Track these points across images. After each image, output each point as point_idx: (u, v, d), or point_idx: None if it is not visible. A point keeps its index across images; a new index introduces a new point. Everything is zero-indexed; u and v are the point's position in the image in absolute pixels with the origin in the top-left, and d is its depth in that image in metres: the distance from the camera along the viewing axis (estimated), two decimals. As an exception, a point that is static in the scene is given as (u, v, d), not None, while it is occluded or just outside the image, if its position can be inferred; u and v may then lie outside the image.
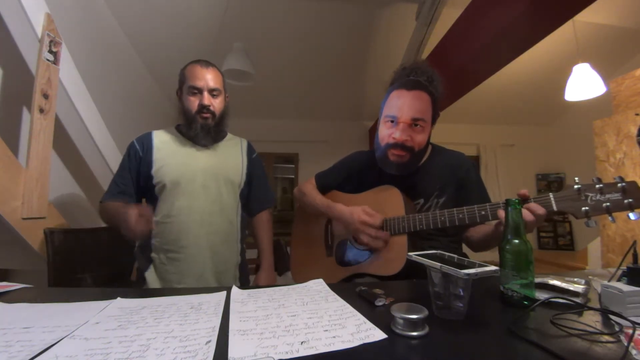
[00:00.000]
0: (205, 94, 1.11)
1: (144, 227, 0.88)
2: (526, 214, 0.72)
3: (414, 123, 0.95)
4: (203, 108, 1.10)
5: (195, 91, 1.11)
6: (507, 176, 4.50)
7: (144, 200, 1.17)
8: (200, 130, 1.12)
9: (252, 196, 1.27)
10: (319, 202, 1.12)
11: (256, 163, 1.29)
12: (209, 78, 1.11)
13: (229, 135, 1.28)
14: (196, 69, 1.11)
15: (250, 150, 1.29)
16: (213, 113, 1.13)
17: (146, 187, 1.12)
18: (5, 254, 1.37)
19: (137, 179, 1.12)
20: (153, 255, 1.09)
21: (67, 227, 1.47)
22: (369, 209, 0.97)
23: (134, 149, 1.13)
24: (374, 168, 1.07)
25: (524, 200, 0.76)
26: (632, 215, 0.68)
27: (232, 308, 0.61)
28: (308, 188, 1.19)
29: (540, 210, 0.73)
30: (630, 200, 0.67)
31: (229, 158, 1.21)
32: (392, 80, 1.03)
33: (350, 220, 0.98)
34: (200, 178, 1.11)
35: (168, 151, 1.13)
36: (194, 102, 1.11)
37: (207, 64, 1.14)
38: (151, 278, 1.08)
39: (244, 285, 1.21)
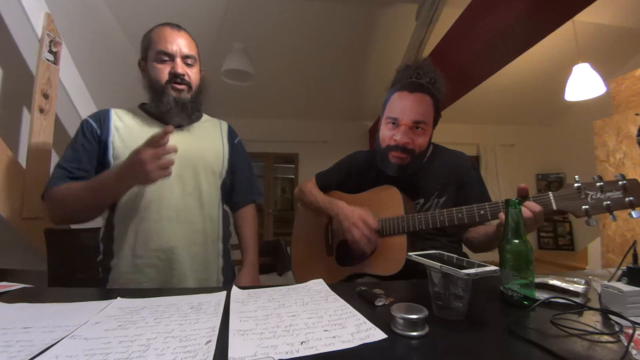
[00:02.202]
0: (178, 60, 0.91)
1: (161, 173, 0.73)
2: (524, 212, 0.72)
3: (415, 126, 0.95)
4: (176, 77, 0.91)
5: (166, 58, 0.91)
6: (507, 176, 4.50)
7: None
8: (173, 104, 0.91)
9: (236, 188, 1.10)
10: (320, 198, 1.11)
11: (239, 149, 1.11)
12: (182, 43, 0.92)
13: (206, 117, 1.09)
14: (165, 31, 0.92)
15: (231, 134, 1.11)
16: (188, 84, 0.94)
17: None
18: (5, 254, 1.37)
19: (93, 163, 0.90)
20: (113, 262, 0.88)
21: (67, 227, 1.47)
22: (371, 214, 0.96)
23: (89, 125, 0.90)
24: (373, 168, 1.07)
25: (523, 196, 0.76)
26: (633, 214, 0.67)
27: (232, 308, 0.61)
28: (308, 186, 1.19)
29: (537, 208, 0.73)
30: (631, 198, 0.66)
31: (207, 142, 1.02)
32: (395, 79, 1.03)
33: (350, 214, 0.97)
34: (174, 165, 0.87)
35: (130, 133, 0.91)
36: (163, 70, 0.91)
37: (178, 27, 0.95)
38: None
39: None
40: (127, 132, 0.92)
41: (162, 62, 0.91)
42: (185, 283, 0.90)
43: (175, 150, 0.75)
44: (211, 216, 0.98)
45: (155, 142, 0.72)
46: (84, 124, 0.91)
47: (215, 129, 1.08)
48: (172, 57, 0.91)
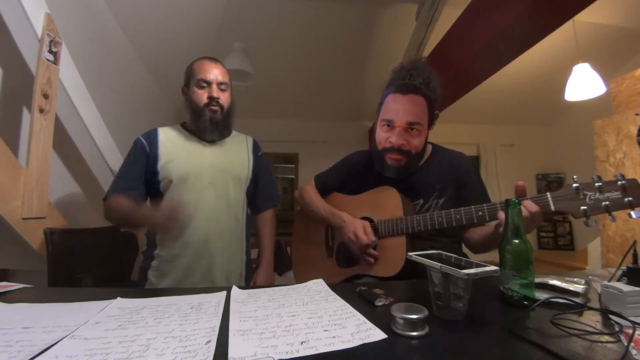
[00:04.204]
0: (214, 86, 1.11)
1: (173, 226, 0.92)
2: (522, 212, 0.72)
3: (409, 127, 0.95)
4: (212, 100, 1.11)
5: (204, 84, 1.11)
6: (507, 176, 4.50)
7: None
8: (209, 123, 1.12)
9: (258, 194, 1.27)
10: (322, 209, 1.11)
11: (262, 161, 1.29)
12: (217, 72, 1.13)
13: (234, 133, 1.28)
14: (205, 64, 1.13)
15: (256, 147, 1.30)
16: (221, 106, 1.13)
17: (151, 182, 1.10)
18: (5, 254, 1.37)
19: (145, 174, 1.11)
20: (157, 252, 1.08)
21: (67, 227, 1.47)
22: (369, 229, 0.96)
23: (140, 143, 1.12)
24: (373, 168, 1.07)
25: (522, 196, 0.76)
26: (633, 214, 0.67)
27: (232, 308, 0.61)
28: (309, 192, 1.18)
29: (534, 207, 0.73)
30: (630, 198, 0.66)
31: (235, 154, 1.21)
32: (390, 80, 1.03)
33: (348, 229, 0.98)
34: (207, 174, 1.11)
35: (174, 147, 1.12)
36: (202, 95, 1.11)
37: (215, 60, 1.16)
38: (154, 276, 1.06)
39: (249, 283, 1.19)
40: (171, 143, 1.13)
41: (202, 87, 1.12)
42: (215, 271, 1.08)
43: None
44: (237, 217, 1.16)
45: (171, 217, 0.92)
46: (136, 141, 1.12)
47: (242, 143, 1.27)
48: (209, 84, 1.12)
